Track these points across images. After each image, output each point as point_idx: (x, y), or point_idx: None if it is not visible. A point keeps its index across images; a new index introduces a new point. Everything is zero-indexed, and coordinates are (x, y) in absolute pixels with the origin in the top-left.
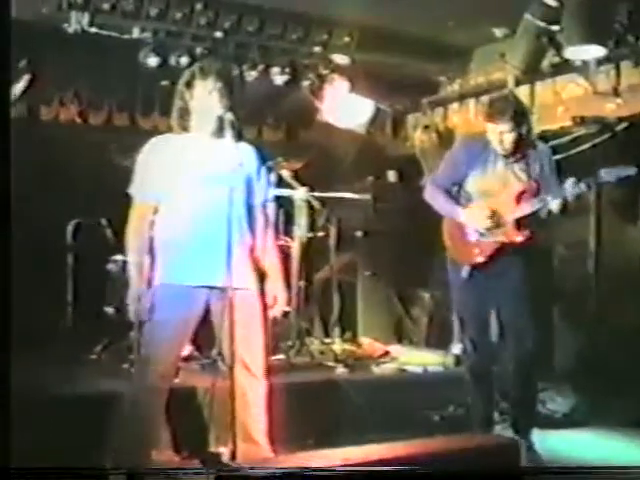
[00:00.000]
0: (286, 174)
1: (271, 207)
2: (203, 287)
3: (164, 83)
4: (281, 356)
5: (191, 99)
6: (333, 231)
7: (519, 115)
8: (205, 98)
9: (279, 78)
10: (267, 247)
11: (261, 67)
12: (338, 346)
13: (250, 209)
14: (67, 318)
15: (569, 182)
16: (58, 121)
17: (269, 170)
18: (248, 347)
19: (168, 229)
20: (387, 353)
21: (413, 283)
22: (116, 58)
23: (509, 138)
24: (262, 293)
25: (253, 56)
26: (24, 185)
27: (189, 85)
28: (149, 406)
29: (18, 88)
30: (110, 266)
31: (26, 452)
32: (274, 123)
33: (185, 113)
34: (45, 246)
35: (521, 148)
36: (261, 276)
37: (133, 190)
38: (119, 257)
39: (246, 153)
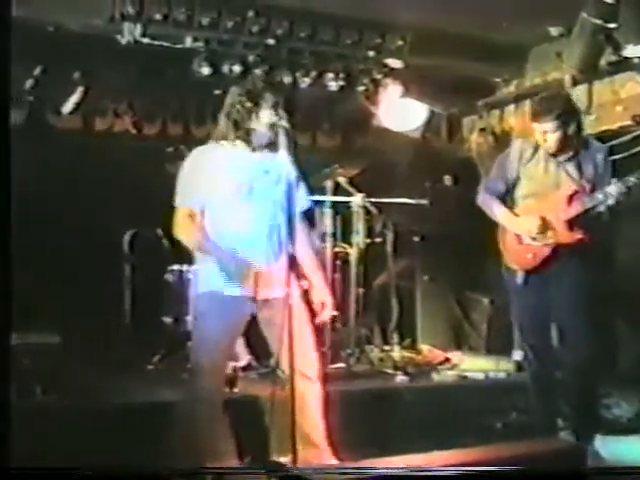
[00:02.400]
0: (342, 181)
1: (328, 214)
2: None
3: (217, 92)
4: (341, 364)
5: (238, 113)
6: (390, 237)
7: (566, 114)
8: (254, 109)
9: (333, 84)
10: (309, 254)
11: (315, 73)
12: (397, 353)
13: (291, 217)
14: (125, 328)
15: (615, 181)
16: (113, 132)
17: (304, 179)
18: (301, 352)
19: (211, 238)
20: (447, 360)
21: (472, 288)
22: (169, 68)
23: (553, 137)
24: (306, 300)
25: (306, 62)
26: (80, 196)
27: (253, 99)
28: (200, 416)
29: (72, 100)
30: (167, 276)
31: (87, 459)
32: (329, 129)
33: (231, 128)
34: (102, 256)
35: (569, 147)
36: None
37: (178, 199)
38: (176, 267)
39: (285, 162)
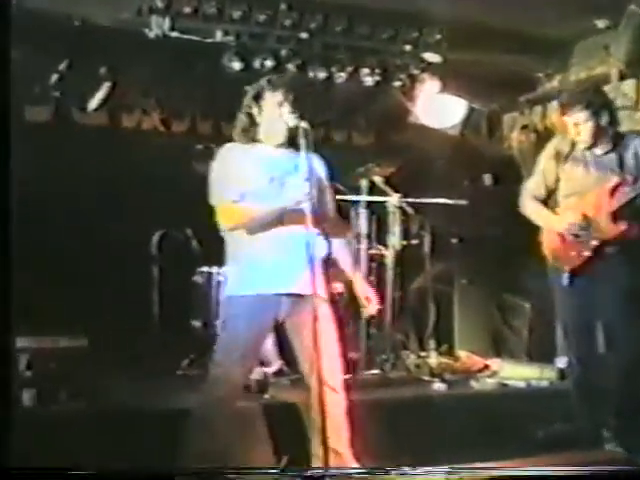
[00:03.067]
0: (378, 180)
1: (363, 215)
2: (276, 295)
3: (248, 88)
4: (376, 370)
5: (259, 113)
6: (428, 238)
7: (596, 105)
8: (275, 110)
9: (369, 79)
10: (346, 253)
11: (350, 68)
12: (434, 359)
13: (324, 218)
14: (153, 332)
15: None
16: (140, 129)
17: (337, 181)
18: (325, 361)
19: (238, 239)
20: (486, 367)
21: (512, 291)
22: (198, 63)
23: (586, 129)
24: (335, 306)
25: (341, 57)
26: (107, 195)
27: (257, 98)
28: (217, 422)
29: (98, 96)
30: (196, 278)
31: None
32: (364, 126)
33: (251, 127)
34: (130, 257)
35: (605, 139)
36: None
37: (216, 197)
38: (205, 269)
39: (316, 164)
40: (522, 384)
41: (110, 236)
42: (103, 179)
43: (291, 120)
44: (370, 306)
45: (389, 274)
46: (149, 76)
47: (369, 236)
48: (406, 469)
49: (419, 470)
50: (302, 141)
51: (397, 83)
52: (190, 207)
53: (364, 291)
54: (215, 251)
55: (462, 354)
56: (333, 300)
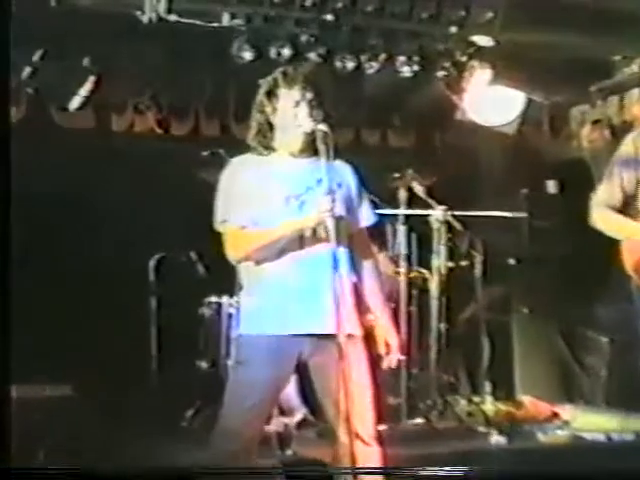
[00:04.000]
0: (418, 189)
1: (401, 232)
2: (297, 337)
3: (262, 81)
4: (420, 420)
5: (274, 113)
6: (479, 259)
7: None
8: (291, 111)
9: (406, 69)
10: (373, 282)
11: (383, 56)
12: (490, 406)
13: (352, 238)
14: (151, 376)
15: None
16: (133, 132)
17: (368, 190)
18: (355, 409)
19: (253, 269)
20: (555, 415)
21: (585, 322)
22: (202, 52)
23: None
24: (368, 343)
25: (373, 43)
26: (94, 212)
27: (271, 95)
28: None
29: (81, 93)
30: (203, 310)
31: None
32: (401, 125)
33: (267, 129)
34: (123, 287)
35: None
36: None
37: (221, 217)
38: (214, 299)
39: (343, 173)
40: (600, 437)
41: (99, 262)
42: (89, 193)
43: (307, 123)
44: (389, 357)
45: (433, 302)
46: (143, 69)
47: (408, 257)
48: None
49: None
50: (321, 147)
51: (440, 73)
52: (195, 225)
53: (385, 333)
54: (225, 278)
55: (525, 399)
56: (366, 334)
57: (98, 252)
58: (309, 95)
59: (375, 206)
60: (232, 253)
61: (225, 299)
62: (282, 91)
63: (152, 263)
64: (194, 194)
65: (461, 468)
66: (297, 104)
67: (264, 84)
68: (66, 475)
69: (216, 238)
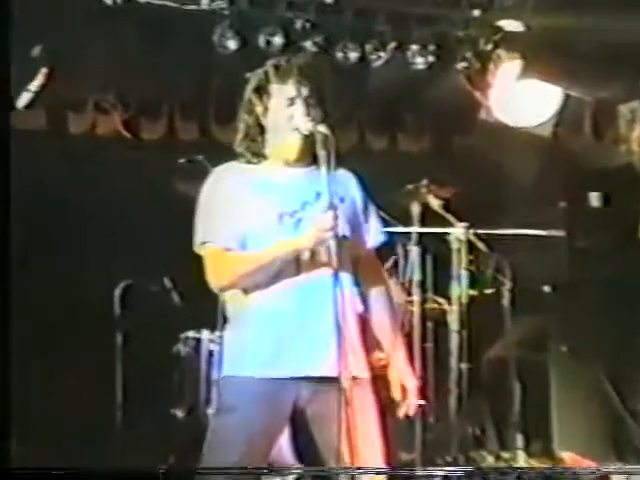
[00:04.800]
0: (434, 203)
1: (414, 253)
2: (293, 380)
3: (249, 75)
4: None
5: (264, 113)
6: (507, 286)
7: None
8: (285, 110)
9: (420, 60)
10: (385, 315)
11: (392, 45)
12: (523, 463)
13: (358, 261)
14: (116, 427)
15: None
16: (95, 135)
17: (376, 205)
18: (363, 463)
19: (240, 298)
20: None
21: (636, 363)
22: (177, 41)
23: None
24: (376, 387)
25: (380, 29)
26: (47, 232)
27: (261, 92)
28: None
29: (31, 88)
30: (178, 347)
31: None
32: (414, 127)
33: (256, 132)
34: (83, 321)
35: None
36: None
37: (203, 236)
38: (191, 334)
39: (346, 184)
40: None
41: (52, 291)
42: (40, 207)
43: (304, 125)
44: (405, 402)
45: (453, 338)
46: (107, 59)
47: (423, 284)
48: None
49: None
50: (321, 153)
51: (461, 64)
52: (169, 246)
53: (400, 374)
54: (205, 309)
55: (564, 456)
56: (375, 376)
57: (56, 278)
58: (305, 91)
59: (384, 223)
60: (215, 280)
61: (205, 334)
62: (274, 87)
63: (117, 292)
64: (168, 210)
65: (462, 468)
66: (292, 102)
67: (252, 79)
68: (66, 475)
69: (195, 262)
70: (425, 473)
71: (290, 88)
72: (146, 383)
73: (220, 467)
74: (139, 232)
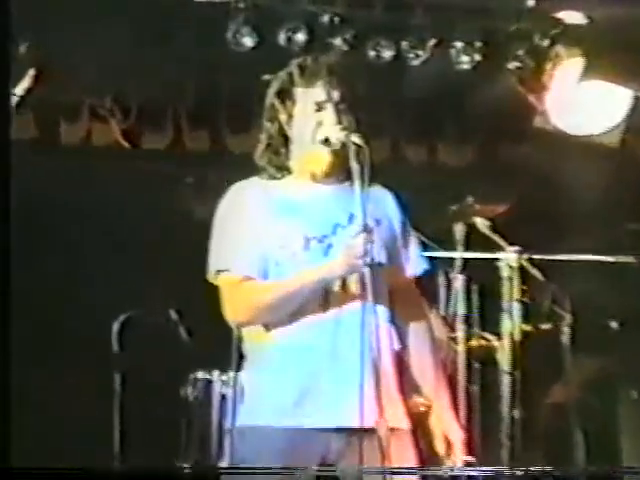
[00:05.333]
0: (481, 224)
1: (458, 282)
2: (321, 431)
3: (268, 77)
4: None
5: (289, 121)
6: (568, 320)
7: None
8: (312, 117)
9: (464, 59)
10: (425, 354)
11: (432, 42)
12: None
13: (395, 292)
14: None
15: None
16: (90, 146)
17: (412, 227)
18: None
19: (259, 335)
20: None
21: None
22: (186, 37)
23: None
24: (417, 433)
25: (418, 24)
26: (39, 253)
27: (285, 97)
28: None
29: (17, 91)
30: (186, 391)
31: None
32: (458, 136)
33: (280, 143)
34: (76, 360)
35: None
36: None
37: (218, 263)
38: (200, 375)
39: (383, 203)
40: None
41: (41, 325)
42: (29, 231)
43: (335, 133)
44: (450, 457)
45: (504, 381)
46: (103, 58)
47: (468, 318)
48: None
49: None
50: (354, 167)
51: (512, 64)
52: (177, 273)
53: (444, 424)
54: (218, 346)
55: None
56: (414, 426)
57: (47, 310)
58: (336, 95)
59: (425, 248)
60: (232, 313)
61: (217, 375)
62: (299, 91)
63: (116, 326)
64: (176, 232)
65: (462, 468)
66: (320, 107)
67: (274, 81)
68: (66, 475)
69: (207, 292)
70: (430, 473)
71: (318, 91)
72: (148, 431)
73: (244, 467)
74: (142, 257)
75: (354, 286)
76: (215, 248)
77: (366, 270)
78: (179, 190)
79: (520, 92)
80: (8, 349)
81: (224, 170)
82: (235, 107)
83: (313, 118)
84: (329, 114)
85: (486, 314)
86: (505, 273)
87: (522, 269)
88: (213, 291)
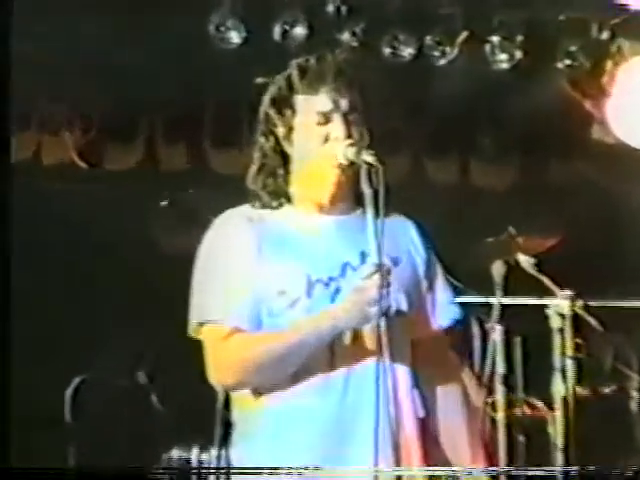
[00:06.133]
0: (525, 261)
1: (497, 333)
2: None
3: (261, 80)
4: None
5: (288, 135)
6: (635, 381)
7: None
8: (315, 130)
9: (502, 57)
10: (456, 421)
11: (463, 36)
12: None
13: (419, 347)
14: None
15: None
16: (40, 166)
17: (439, 266)
18: None
19: (251, 401)
20: None
21: None
22: (160, 32)
23: None
24: None
25: (446, 14)
26: None
27: (282, 106)
28: None
29: None
30: (159, 473)
31: None
32: (494, 151)
33: (277, 163)
34: (25, 437)
35: None
36: None
37: (201, 313)
38: (176, 453)
39: (403, 236)
40: None
41: None
42: None
43: (344, 150)
44: None
45: (557, 458)
46: (58, 57)
47: (509, 379)
48: None
49: None
50: (367, 192)
51: (563, 62)
52: (147, 326)
53: None
54: (198, 416)
55: None
56: None
57: None
58: (345, 103)
59: (455, 292)
60: (218, 374)
61: (197, 454)
62: (300, 98)
63: (68, 392)
64: (146, 273)
65: (462, 468)
66: (326, 118)
67: (270, 86)
68: (66, 475)
69: (187, 348)
70: (429, 473)
71: (323, 99)
72: None
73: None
74: (101, 302)
75: (368, 339)
76: (197, 294)
77: (382, 320)
78: (151, 219)
79: (573, 97)
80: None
81: (207, 195)
82: (220, 117)
83: (317, 131)
84: (336, 126)
85: (532, 374)
86: (555, 323)
87: (576, 318)
88: (194, 347)
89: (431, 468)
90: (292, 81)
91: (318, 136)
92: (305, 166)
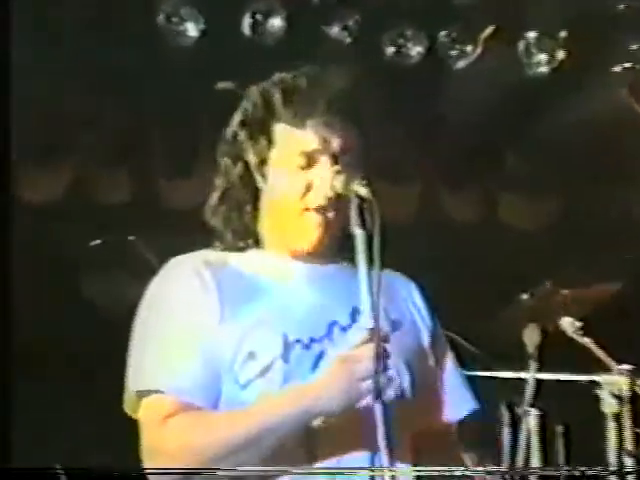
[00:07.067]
0: (568, 325)
1: (531, 419)
2: None
3: (223, 86)
4: None
5: (260, 167)
6: None
7: None
8: (295, 177)
9: (540, 58)
10: None
11: (488, 31)
12: None
13: (426, 441)
14: None
15: None
16: None
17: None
18: None
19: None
20: None
21: None
22: (98, 24)
23: None
24: None
25: (464, 4)
26: None
27: (256, 130)
28: None
29: None
30: None
31: None
32: (527, 178)
33: (244, 197)
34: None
35: None
36: None
37: (136, 386)
38: None
39: (403, 296)
40: None
41: None
42: None
43: (334, 182)
44: None
45: None
46: None
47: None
48: None
49: None
50: (357, 232)
51: (617, 66)
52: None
53: None
54: None
55: None
56: None
57: None
58: (337, 144)
59: (474, 367)
60: (157, 462)
61: None
62: (280, 128)
63: None
64: (77, 326)
65: (461, 468)
66: (311, 161)
67: (243, 101)
68: (66, 475)
69: (118, 429)
70: (427, 473)
71: (310, 136)
72: None
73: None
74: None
75: (355, 426)
76: (137, 357)
77: (377, 404)
78: (81, 267)
79: (633, 108)
80: None
81: (153, 233)
82: (170, 138)
83: (297, 179)
84: (322, 173)
85: (576, 464)
86: (609, 407)
87: (637, 399)
88: (131, 428)
89: (430, 468)
90: (272, 102)
91: (298, 183)
92: (278, 208)
